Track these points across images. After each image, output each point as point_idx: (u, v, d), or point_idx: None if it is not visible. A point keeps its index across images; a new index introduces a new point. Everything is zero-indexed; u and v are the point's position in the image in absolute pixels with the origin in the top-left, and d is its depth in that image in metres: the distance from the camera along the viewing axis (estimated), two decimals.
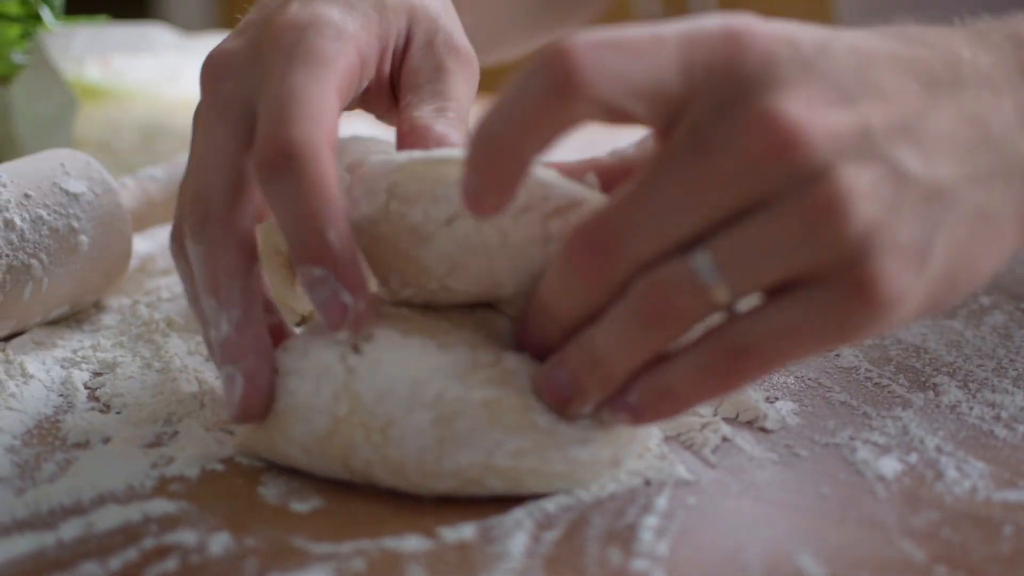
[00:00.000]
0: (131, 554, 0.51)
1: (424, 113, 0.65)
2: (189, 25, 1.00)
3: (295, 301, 0.74)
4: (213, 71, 0.63)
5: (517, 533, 0.52)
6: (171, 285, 0.82)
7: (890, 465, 0.57)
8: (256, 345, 0.58)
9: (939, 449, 0.59)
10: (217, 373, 0.62)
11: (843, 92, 0.48)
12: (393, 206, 0.56)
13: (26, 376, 0.68)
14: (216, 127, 0.61)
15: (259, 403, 0.57)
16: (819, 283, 0.48)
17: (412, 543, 0.51)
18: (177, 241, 0.62)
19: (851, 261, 0.47)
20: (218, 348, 0.58)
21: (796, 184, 0.47)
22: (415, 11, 0.68)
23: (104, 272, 0.76)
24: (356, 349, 0.56)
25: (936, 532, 0.52)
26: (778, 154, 0.46)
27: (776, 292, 0.49)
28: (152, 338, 0.73)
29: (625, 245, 0.49)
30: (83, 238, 0.73)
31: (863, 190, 0.47)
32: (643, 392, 0.52)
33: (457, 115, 0.65)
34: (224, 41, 0.65)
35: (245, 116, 0.60)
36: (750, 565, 0.49)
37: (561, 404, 0.54)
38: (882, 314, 0.48)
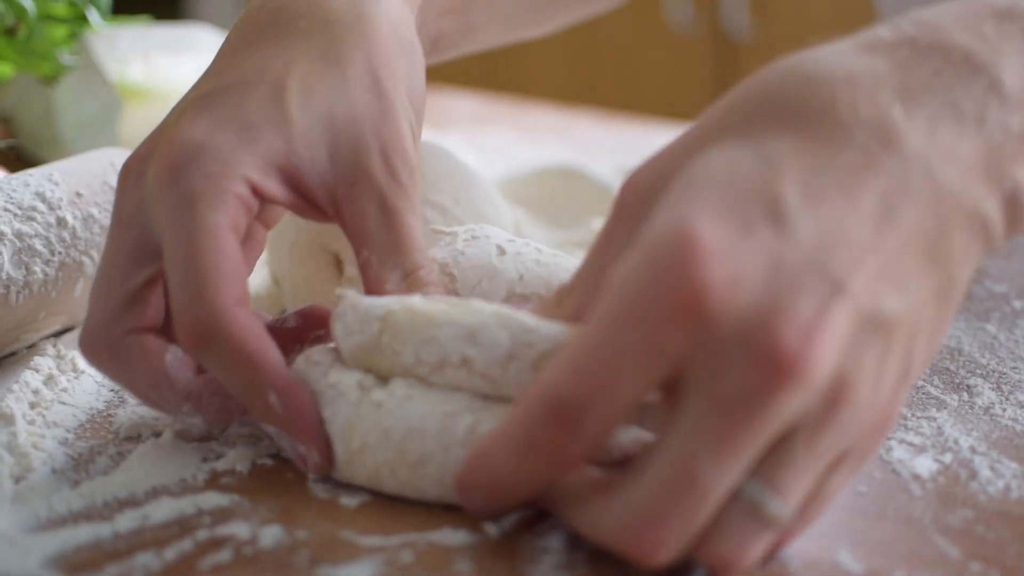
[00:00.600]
0: (186, 545, 0.52)
1: (392, 283, 0.61)
2: (228, 24, 1.00)
3: None
4: (122, 180, 0.61)
5: (560, 526, 0.53)
6: None
7: (925, 464, 0.59)
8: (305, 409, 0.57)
9: (973, 449, 0.60)
10: None
11: (812, 264, 0.47)
12: (385, 339, 0.55)
13: (77, 371, 0.69)
14: (116, 247, 0.60)
15: (329, 456, 0.57)
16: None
17: (458, 537, 0.52)
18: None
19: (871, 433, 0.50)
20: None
21: (818, 402, 0.47)
22: (335, 129, 0.62)
23: None
24: (384, 380, 0.56)
25: (971, 530, 0.53)
26: (791, 384, 0.46)
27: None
28: None
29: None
30: None
31: (870, 375, 0.48)
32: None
33: (426, 271, 0.62)
34: (139, 147, 0.62)
35: (143, 241, 0.59)
36: (790, 560, 0.51)
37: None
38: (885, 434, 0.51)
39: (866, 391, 0.47)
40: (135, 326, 0.59)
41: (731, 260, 0.46)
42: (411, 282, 0.61)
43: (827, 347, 0.46)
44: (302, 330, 0.62)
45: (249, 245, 0.64)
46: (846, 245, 0.48)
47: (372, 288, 0.61)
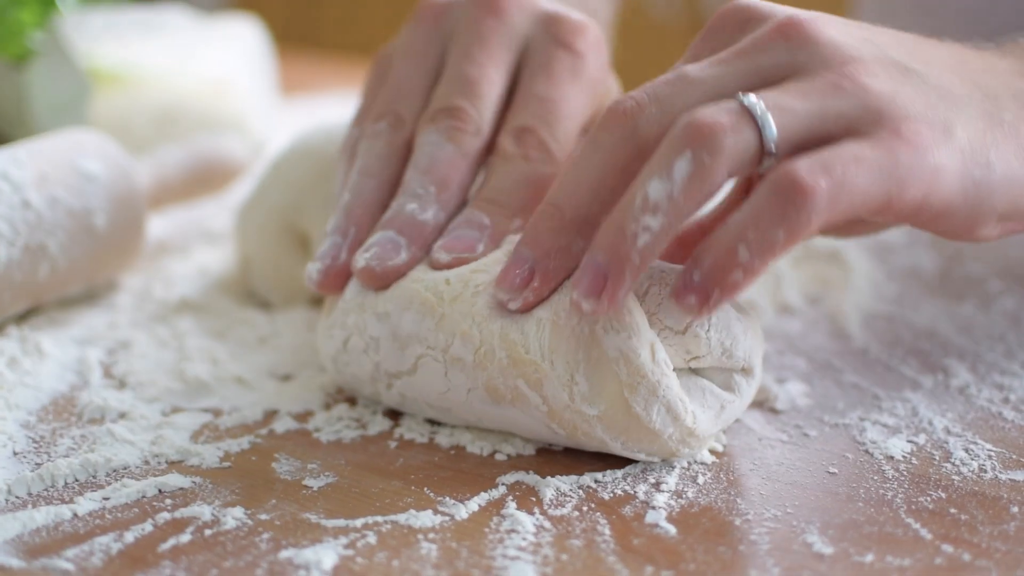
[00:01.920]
0: (146, 527, 0.51)
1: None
2: (204, 5, 1.00)
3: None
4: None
5: (528, 508, 0.52)
6: (185, 265, 0.83)
7: (899, 445, 0.58)
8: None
9: (948, 430, 0.60)
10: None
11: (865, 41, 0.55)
12: None
13: (41, 354, 0.68)
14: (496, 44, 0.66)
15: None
16: (864, 137, 0.52)
17: (423, 518, 0.52)
18: (398, 126, 0.65)
19: (882, 115, 0.52)
20: (407, 221, 0.61)
21: (819, 60, 0.54)
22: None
23: (119, 252, 0.76)
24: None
25: (943, 511, 0.52)
26: (797, 40, 0.54)
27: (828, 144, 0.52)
28: (167, 317, 0.74)
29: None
30: (99, 218, 0.73)
31: (876, 71, 0.54)
32: (706, 265, 0.51)
33: None
34: None
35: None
36: (758, 542, 0.50)
37: (598, 291, 0.52)
38: (923, 153, 0.52)
39: (874, 79, 0.53)
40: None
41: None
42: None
43: (837, 35, 0.55)
44: None
45: None
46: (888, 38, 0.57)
47: None
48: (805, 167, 0.50)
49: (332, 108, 1.07)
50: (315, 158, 0.75)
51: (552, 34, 0.65)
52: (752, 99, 0.52)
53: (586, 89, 0.65)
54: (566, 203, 0.55)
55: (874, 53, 0.55)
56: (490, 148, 0.64)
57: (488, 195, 0.62)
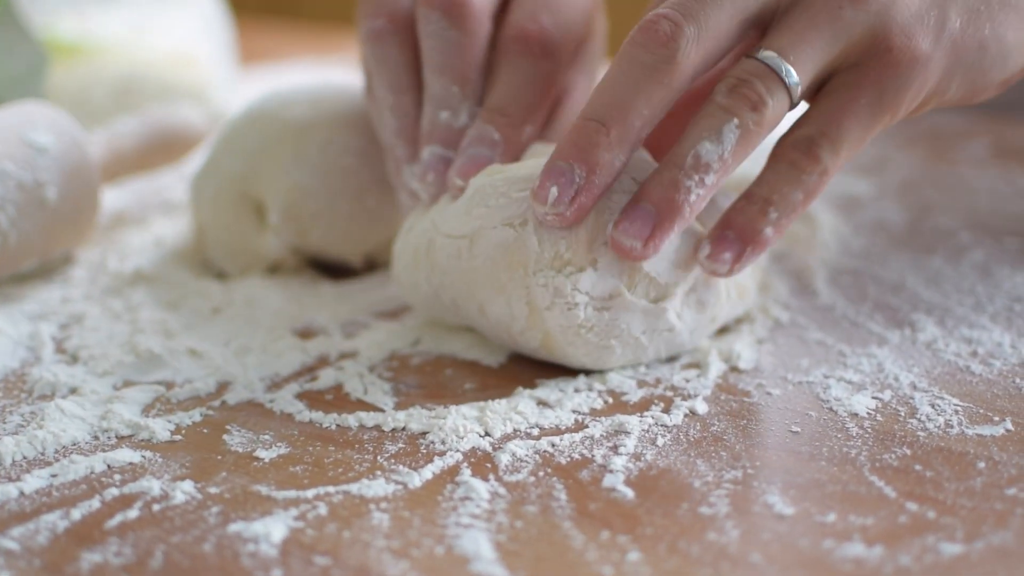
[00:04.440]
0: (94, 504, 0.50)
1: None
2: None
3: (264, 248, 0.73)
4: None
5: (483, 475, 0.51)
6: (142, 237, 0.82)
7: (863, 402, 0.57)
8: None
9: (914, 386, 0.59)
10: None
11: None
12: None
13: None
14: None
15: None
16: (854, 66, 0.57)
17: (376, 488, 0.51)
18: (398, 23, 0.66)
19: (875, 34, 0.56)
20: (446, 131, 0.64)
21: None
22: None
23: (72, 225, 0.75)
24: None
25: (908, 468, 0.51)
26: None
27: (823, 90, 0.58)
28: (121, 290, 0.72)
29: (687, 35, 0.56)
30: (50, 191, 0.72)
31: None
32: (739, 224, 0.57)
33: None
34: None
35: None
36: (718, 504, 0.49)
37: (645, 236, 0.56)
38: (908, 72, 0.57)
39: None
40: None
41: None
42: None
43: None
44: None
45: None
46: None
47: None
48: (804, 142, 0.57)
49: (292, 76, 1.06)
50: (268, 124, 0.74)
51: None
52: (774, 59, 0.56)
53: None
54: (611, 119, 0.56)
55: None
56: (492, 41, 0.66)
57: (495, 104, 0.64)
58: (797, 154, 0.56)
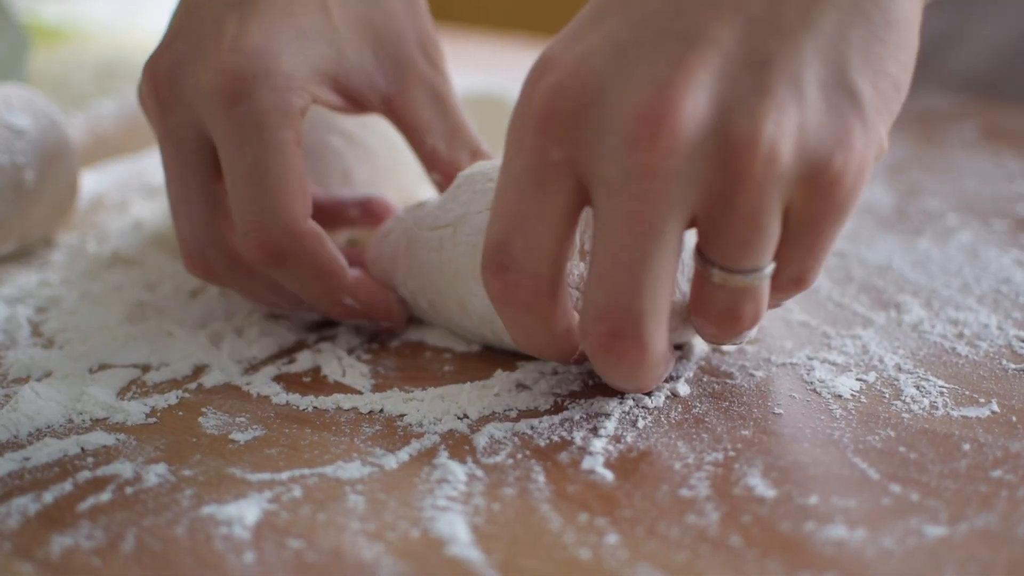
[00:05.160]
0: (66, 487, 0.49)
1: (465, 163, 0.65)
2: None
3: None
4: (160, 93, 0.60)
5: (461, 457, 0.51)
6: (122, 220, 0.81)
7: (847, 384, 0.56)
8: (377, 297, 0.62)
9: (899, 367, 0.58)
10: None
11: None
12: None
13: None
14: (179, 167, 0.60)
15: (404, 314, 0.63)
16: (803, 206, 0.47)
17: (351, 470, 0.50)
18: (220, 272, 0.61)
19: (812, 175, 0.46)
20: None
21: (719, 169, 0.46)
22: (376, 32, 0.64)
23: (51, 208, 0.74)
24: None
25: (892, 450, 0.51)
26: (665, 141, 0.45)
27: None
28: (99, 273, 0.72)
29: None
30: (28, 174, 0.71)
31: (762, 118, 0.46)
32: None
33: (479, 144, 0.66)
34: (161, 49, 0.61)
35: (202, 149, 0.59)
36: (698, 486, 0.48)
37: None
38: (857, 180, 0.47)
39: (768, 140, 0.45)
40: (228, 233, 0.60)
41: (570, 56, 0.47)
42: (481, 158, 0.65)
43: (688, 95, 0.45)
44: (363, 220, 0.69)
45: None
46: (701, 5, 0.47)
47: (448, 172, 0.64)
48: (793, 282, 0.51)
49: None
50: None
51: None
52: (731, 281, 0.49)
53: None
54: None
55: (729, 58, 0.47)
56: None
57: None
58: (791, 291, 0.51)
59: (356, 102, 0.63)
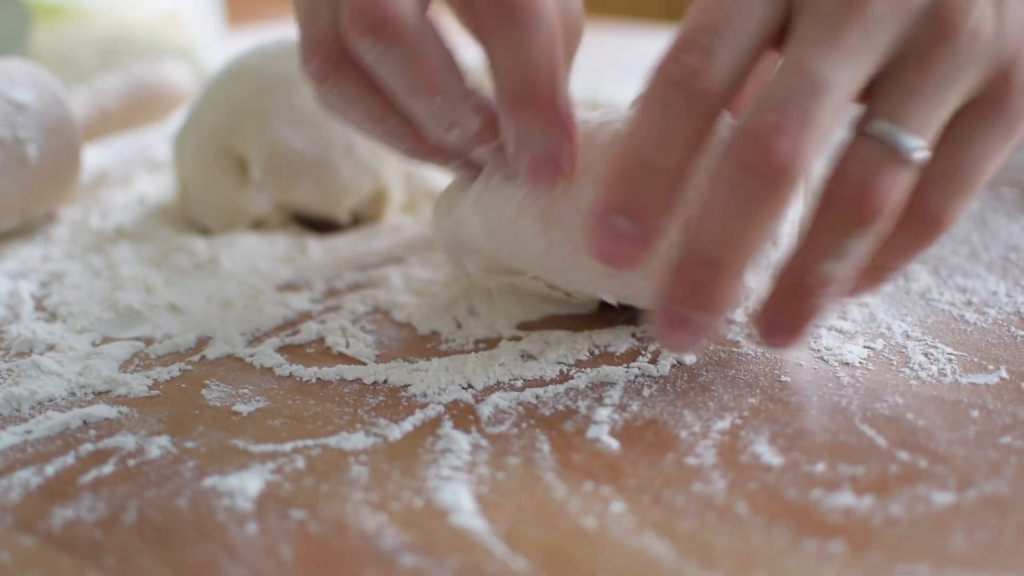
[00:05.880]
0: (68, 460, 0.49)
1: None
2: None
3: (248, 203, 0.72)
4: None
5: (465, 427, 0.50)
6: (126, 195, 0.80)
7: (855, 351, 0.56)
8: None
9: (907, 335, 0.57)
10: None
11: None
12: None
13: None
14: None
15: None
16: (977, 103, 0.50)
17: (355, 440, 0.50)
18: (334, 60, 0.55)
19: (997, 70, 0.49)
20: (471, 139, 0.55)
21: (920, 23, 0.48)
22: None
23: (54, 183, 0.74)
24: None
25: (900, 417, 0.50)
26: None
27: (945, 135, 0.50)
28: (102, 247, 0.71)
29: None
30: (31, 148, 0.71)
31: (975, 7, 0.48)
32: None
33: None
34: None
35: None
36: (704, 454, 0.48)
37: (783, 334, 0.49)
38: None
39: (977, 16, 0.48)
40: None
41: None
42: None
43: None
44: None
45: None
46: None
47: None
48: (942, 202, 0.50)
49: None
50: (251, 78, 0.72)
51: None
52: (893, 134, 0.47)
53: None
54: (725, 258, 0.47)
55: None
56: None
57: (513, 84, 0.54)
58: (922, 232, 0.50)
59: None
